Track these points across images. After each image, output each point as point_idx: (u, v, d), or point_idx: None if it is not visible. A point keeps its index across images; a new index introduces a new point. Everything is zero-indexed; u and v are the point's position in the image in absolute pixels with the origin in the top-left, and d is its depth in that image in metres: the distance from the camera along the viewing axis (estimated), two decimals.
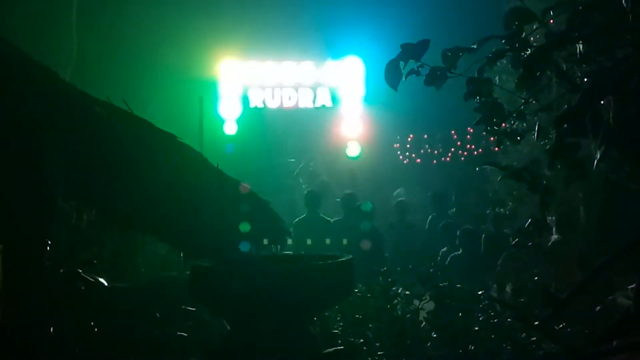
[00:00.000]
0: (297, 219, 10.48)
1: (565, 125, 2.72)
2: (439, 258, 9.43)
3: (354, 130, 15.59)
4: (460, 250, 9.42)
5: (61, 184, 5.18)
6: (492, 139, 3.65)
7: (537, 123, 3.59)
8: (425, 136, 16.16)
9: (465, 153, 15.58)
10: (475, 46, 3.28)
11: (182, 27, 15.03)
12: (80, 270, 7.95)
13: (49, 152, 4.84)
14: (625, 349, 2.87)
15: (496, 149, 5.36)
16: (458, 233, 9.62)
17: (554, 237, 8.42)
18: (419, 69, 3.27)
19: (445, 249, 9.74)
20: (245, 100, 15.60)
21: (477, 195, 12.24)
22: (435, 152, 16.05)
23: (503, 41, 3.25)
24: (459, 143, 15.64)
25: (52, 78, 5.29)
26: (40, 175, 4.98)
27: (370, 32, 14.54)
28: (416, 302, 6.26)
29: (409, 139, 16.22)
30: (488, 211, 11.27)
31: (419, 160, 16.08)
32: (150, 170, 5.39)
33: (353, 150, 15.55)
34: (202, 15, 15.05)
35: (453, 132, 15.61)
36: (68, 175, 5.11)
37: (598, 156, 2.70)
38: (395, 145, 16.20)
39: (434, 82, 3.33)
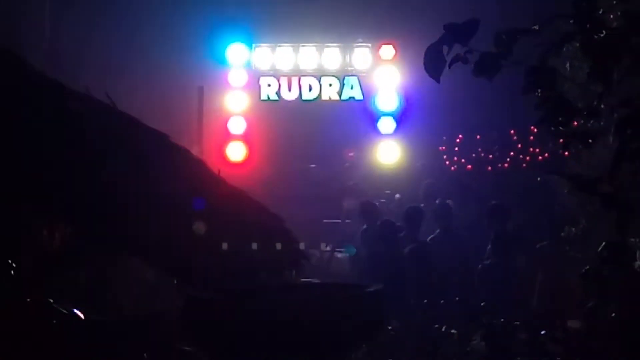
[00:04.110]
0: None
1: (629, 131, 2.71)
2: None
3: (389, 128, 15.54)
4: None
5: (28, 193, 5.22)
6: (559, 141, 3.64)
7: (615, 122, 3.56)
8: (478, 137, 16.08)
9: (528, 158, 15.47)
10: (537, 27, 3.28)
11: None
12: (52, 300, 8.02)
13: (12, 155, 4.89)
14: None
15: (565, 153, 5.32)
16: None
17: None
18: (467, 55, 3.28)
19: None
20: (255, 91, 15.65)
21: (542, 211, 12.15)
22: (490, 156, 15.96)
23: (572, 21, 3.25)
24: (519, 146, 15.55)
25: (16, 64, 5.34)
26: (2, 182, 5.03)
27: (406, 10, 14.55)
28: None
29: (458, 141, 16.14)
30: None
31: (469, 166, 15.99)
32: (137, 178, 5.43)
33: (390, 154, 15.49)
34: None
35: (513, 132, 15.53)
36: (36, 184, 5.14)
37: None
38: (440, 148, 16.13)
39: (486, 72, 3.33)
